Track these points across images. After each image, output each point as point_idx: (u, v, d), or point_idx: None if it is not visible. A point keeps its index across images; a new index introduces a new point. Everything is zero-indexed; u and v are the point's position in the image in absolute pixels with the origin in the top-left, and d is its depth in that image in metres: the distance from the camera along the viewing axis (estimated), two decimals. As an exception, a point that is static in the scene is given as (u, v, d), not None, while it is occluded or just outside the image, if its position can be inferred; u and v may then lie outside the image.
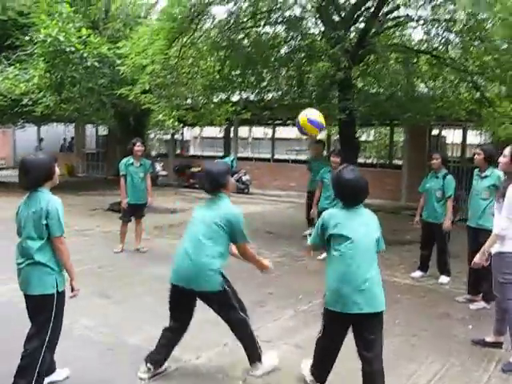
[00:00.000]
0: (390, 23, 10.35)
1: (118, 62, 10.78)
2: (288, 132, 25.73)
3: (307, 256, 4.55)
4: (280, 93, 11.10)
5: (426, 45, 10.47)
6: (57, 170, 3.97)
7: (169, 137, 21.74)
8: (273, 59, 10.68)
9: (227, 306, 4.18)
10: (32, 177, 3.76)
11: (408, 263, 8.59)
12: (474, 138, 18.90)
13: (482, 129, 12.75)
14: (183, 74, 9.91)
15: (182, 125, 14.21)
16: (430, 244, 7.70)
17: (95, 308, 6.01)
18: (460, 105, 10.88)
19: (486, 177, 6.38)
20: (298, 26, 10.62)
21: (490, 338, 5.22)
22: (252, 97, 11.54)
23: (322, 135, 15.61)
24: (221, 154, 22.78)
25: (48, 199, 3.75)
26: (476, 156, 6.45)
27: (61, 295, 3.83)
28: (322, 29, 10.65)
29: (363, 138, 20.43)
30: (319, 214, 8.32)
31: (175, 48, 9.59)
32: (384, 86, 10.46)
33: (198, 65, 10.25)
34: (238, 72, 10.60)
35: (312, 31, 10.81)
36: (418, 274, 7.87)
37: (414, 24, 10.85)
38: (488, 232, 6.28)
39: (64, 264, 3.81)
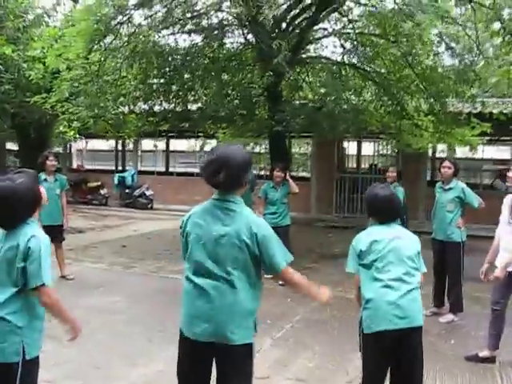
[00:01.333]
0: (319, 35, 10.27)
1: (25, 65, 9.58)
2: (181, 145, 25.12)
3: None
4: (200, 104, 10.61)
5: (352, 58, 10.49)
6: (42, 191, 3.18)
7: (61, 150, 20.14)
8: (192, 70, 10.12)
9: (245, 372, 2.97)
10: (14, 214, 2.85)
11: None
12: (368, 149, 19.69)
13: (393, 141, 13.04)
14: (106, 81, 9.01)
15: (83, 137, 13.14)
16: None
17: (49, 356, 5.07)
18: (379, 117, 11.06)
19: (450, 189, 6.44)
20: (217, 35, 10.23)
21: (484, 353, 5.15)
22: (169, 107, 10.86)
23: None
24: (112, 167, 21.56)
25: (30, 234, 2.82)
26: (446, 170, 6.45)
27: (31, 363, 2.86)
28: (249, 39, 10.29)
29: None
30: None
31: (98, 52, 8.71)
32: (315, 98, 10.35)
33: (120, 72, 9.37)
34: (161, 81, 9.90)
35: (236, 40, 10.40)
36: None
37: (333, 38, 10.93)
38: (455, 244, 6.39)
39: (59, 318, 3.00)
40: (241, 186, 2.93)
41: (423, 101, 10.79)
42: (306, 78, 10.91)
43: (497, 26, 9.47)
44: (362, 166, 20.46)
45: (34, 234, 2.83)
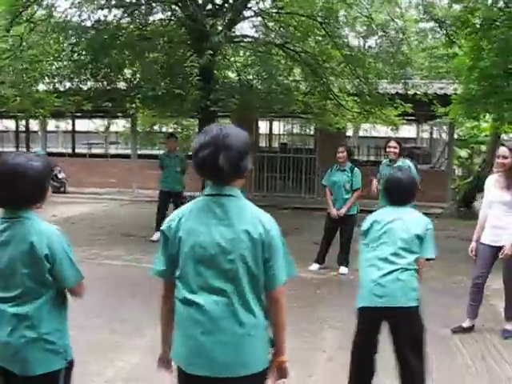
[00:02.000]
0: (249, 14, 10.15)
1: None
2: (86, 125, 24.12)
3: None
4: (131, 83, 10.17)
5: (277, 38, 10.50)
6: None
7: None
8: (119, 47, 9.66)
9: None
10: (21, 193, 2.45)
11: (298, 256, 8.57)
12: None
13: (314, 121, 13.26)
14: (31, 56, 8.34)
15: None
16: (333, 236, 7.80)
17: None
18: (302, 97, 11.16)
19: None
20: (141, 10, 9.86)
21: (466, 323, 5.47)
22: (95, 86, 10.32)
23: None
24: (12, 149, 20.26)
25: (43, 229, 2.48)
26: (393, 149, 6.70)
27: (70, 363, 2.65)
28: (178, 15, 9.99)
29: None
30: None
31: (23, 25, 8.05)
32: (247, 78, 10.26)
33: (46, 48, 8.73)
34: (88, 59, 9.34)
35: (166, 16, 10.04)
36: (315, 266, 7.90)
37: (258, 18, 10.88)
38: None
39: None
40: (242, 174, 2.30)
41: (347, 81, 11.07)
42: (238, 58, 10.78)
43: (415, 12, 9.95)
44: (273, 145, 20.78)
45: (45, 229, 2.49)
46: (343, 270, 7.71)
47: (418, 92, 10.60)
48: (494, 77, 9.26)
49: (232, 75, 10.71)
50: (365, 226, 3.76)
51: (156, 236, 9.39)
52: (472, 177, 14.84)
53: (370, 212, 3.93)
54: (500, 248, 5.07)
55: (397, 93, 11.17)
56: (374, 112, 11.10)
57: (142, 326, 5.36)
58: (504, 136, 14.38)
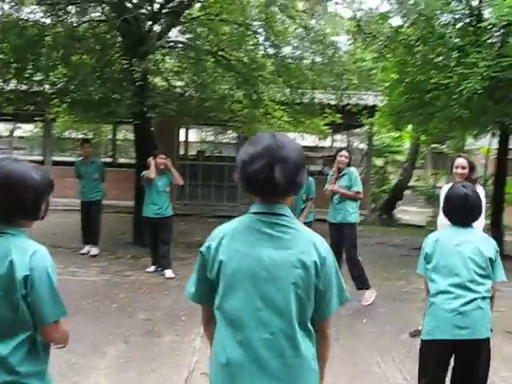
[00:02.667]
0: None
1: None
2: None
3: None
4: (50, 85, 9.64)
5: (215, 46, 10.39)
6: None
7: None
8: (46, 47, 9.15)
9: None
10: (11, 204, 2.08)
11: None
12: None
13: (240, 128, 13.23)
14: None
15: None
16: None
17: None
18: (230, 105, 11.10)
19: (344, 175, 6.83)
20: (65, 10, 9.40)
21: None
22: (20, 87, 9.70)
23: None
24: None
25: (27, 247, 2.08)
26: (344, 158, 6.80)
27: None
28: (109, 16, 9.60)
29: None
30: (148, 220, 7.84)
31: None
32: (181, 85, 10.05)
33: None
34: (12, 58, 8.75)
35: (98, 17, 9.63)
36: None
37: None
38: (349, 225, 6.82)
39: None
40: (298, 190, 2.01)
41: (278, 90, 11.15)
42: (167, 64, 10.55)
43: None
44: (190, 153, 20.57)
45: (29, 248, 2.07)
46: None
47: (349, 103, 10.89)
48: (420, 91, 9.71)
49: (162, 82, 10.42)
50: (427, 248, 3.38)
51: (86, 249, 8.96)
52: (393, 185, 15.52)
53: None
54: None
55: (328, 104, 11.39)
56: (303, 121, 11.25)
57: (99, 344, 5.08)
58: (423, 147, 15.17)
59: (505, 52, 7.42)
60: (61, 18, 9.20)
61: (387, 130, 14.05)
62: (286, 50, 10.37)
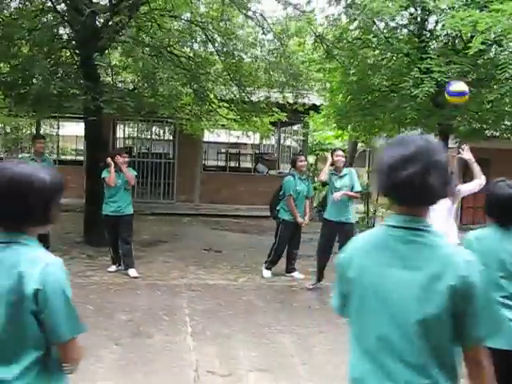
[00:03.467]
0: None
1: None
2: None
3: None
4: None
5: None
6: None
7: None
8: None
9: None
10: (20, 210, 1.84)
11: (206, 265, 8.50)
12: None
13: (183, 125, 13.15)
14: None
15: None
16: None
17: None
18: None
19: (345, 175, 7.11)
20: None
21: None
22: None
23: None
24: None
25: (38, 258, 1.84)
26: (340, 158, 7.03)
27: None
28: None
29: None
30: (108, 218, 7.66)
31: None
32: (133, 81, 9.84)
33: None
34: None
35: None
36: (268, 274, 7.96)
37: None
38: (349, 224, 7.05)
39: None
40: (446, 196, 1.80)
41: (224, 88, 11.20)
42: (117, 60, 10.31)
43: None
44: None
45: (42, 259, 1.84)
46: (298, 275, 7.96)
47: (297, 102, 11.13)
48: (367, 92, 10.15)
49: (108, 77, 10.15)
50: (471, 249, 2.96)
51: None
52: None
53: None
54: None
55: (276, 102, 11.55)
56: (249, 119, 11.38)
57: (90, 348, 4.92)
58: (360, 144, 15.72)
59: (455, 60, 7.93)
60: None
61: (329, 128, 14.54)
62: (237, 48, 10.36)
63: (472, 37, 7.74)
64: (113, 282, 7.27)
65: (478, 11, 7.60)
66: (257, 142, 19.95)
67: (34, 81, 8.38)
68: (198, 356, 4.87)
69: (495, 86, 8.36)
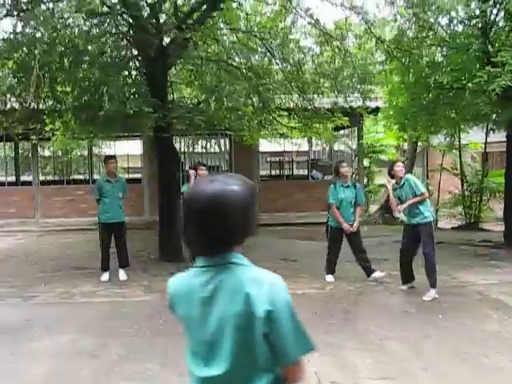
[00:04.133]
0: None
1: None
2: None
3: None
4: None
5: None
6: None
7: None
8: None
9: None
10: (229, 231, 1.78)
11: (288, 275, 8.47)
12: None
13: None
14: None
15: None
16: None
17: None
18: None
19: (403, 184, 7.17)
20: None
21: None
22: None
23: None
24: None
25: (261, 277, 1.79)
26: (401, 169, 7.05)
27: None
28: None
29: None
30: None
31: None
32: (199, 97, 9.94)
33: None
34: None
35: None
36: (330, 278, 8.12)
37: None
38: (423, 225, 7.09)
39: None
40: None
41: (284, 97, 11.22)
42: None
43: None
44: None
45: (264, 278, 1.78)
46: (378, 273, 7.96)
47: (353, 105, 11.07)
48: (430, 91, 10.02)
49: (185, 93, 10.29)
50: None
51: (104, 277, 8.33)
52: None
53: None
54: None
55: (333, 107, 11.49)
56: (312, 126, 11.36)
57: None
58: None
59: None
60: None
61: (385, 130, 14.44)
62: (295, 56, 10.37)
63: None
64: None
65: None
66: (305, 148, 19.97)
67: (106, 102, 8.49)
68: (316, 367, 4.80)
69: None
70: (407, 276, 7.40)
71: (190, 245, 1.87)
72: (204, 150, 17.95)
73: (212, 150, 18.24)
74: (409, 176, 7.31)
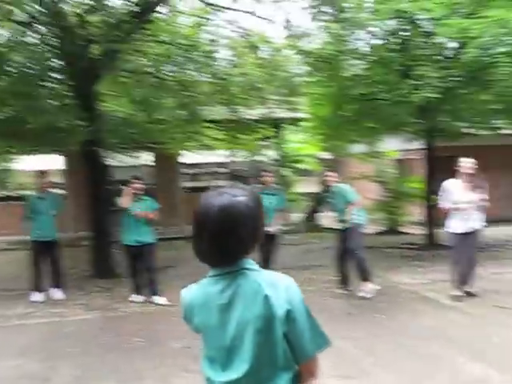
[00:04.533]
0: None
1: None
2: None
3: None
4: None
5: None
6: None
7: None
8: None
9: None
10: (241, 241, 1.84)
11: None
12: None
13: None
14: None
15: None
16: None
17: None
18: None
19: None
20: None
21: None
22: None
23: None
24: None
25: (277, 279, 1.87)
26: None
27: None
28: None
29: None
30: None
31: None
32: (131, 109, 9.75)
33: None
34: None
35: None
36: None
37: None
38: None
39: None
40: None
41: (211, 109, 11.29)
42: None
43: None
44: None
45: (282, 280, 1.87)
46: None
47: (278, 116, 11.37)
48: (346, 103, 10.51)
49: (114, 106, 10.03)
50: None
51: (37, 296, 7.93)
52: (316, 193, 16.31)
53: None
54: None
55: (259, 118, 11.73)
56: (238, 138, 11.53)
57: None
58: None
59: (453, 66, 8.38)
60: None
61: (301, 140, 14.87)
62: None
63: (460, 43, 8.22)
64: (146, 312, 7.20)
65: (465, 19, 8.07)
66: (226, 160, 20.07)
67: (33, 115, 8.16)
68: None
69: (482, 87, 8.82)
70: (345, 279, 7.73)
71: (204, 258, 1.89)
72: (125, 164, 17.51)
73: (133, 163, 17.85)
74: (341, 185, 7.64)
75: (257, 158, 18.11)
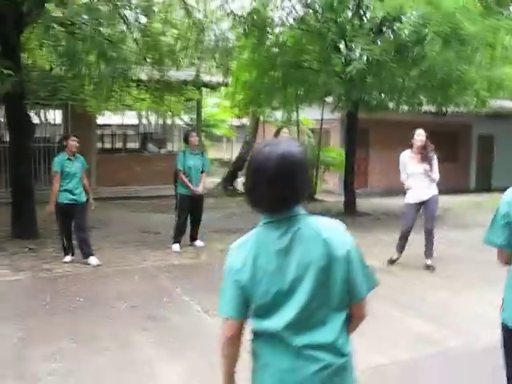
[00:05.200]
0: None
1: None
2: None
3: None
4: None
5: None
6: None
7: None
8: None
9: None
10: (299, 187, 1.91)
11: (157, 247, 8.48)
12: None
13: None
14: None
15: None
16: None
17: None
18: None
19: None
20: None
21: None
22: None
23: None
24: None
25: (330, 224, 1.97)
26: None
27: None
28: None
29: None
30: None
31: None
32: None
33: None
34: None
35: None
36: (176, 247, 8.26)
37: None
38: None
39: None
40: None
41: (136, 67, 10.89)
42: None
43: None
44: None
45: (335, 224, 1.98)
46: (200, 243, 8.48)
47: (206, 80, 11.24)
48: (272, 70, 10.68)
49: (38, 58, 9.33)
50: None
51: None
52: (236, 157, 16.33)
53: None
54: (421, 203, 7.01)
55: (185, 80, 11.52)
56: (164, 99, 11.28)
57: (126, 337, 4.88)
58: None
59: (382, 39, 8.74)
60: None
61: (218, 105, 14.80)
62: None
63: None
64: (81, 273, 7.00)
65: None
66: (135, 122, 19.61)
67: None
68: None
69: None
70: None
71: (260, 204, 1.95)
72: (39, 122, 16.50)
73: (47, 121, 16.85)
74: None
75: (174, 121, 17.92)
